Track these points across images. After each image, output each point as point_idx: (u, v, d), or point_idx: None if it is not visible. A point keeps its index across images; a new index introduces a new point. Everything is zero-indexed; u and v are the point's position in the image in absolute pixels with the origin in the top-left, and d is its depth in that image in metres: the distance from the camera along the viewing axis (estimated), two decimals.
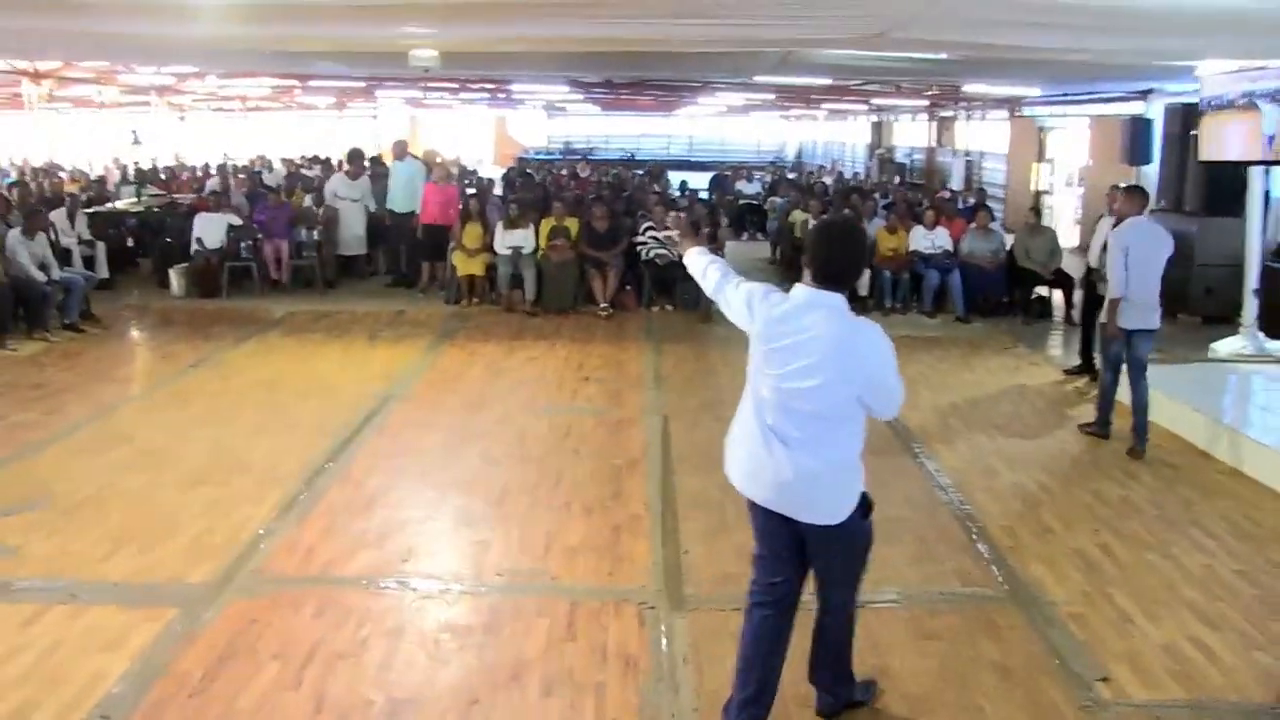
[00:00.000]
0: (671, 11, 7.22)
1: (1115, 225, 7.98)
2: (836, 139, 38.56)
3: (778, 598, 3.98)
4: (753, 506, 3.94)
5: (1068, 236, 20.10)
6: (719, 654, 4.52)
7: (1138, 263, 7.37)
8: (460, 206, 13.11)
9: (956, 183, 23.75)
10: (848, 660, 4.17)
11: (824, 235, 3.84)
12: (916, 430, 7.96)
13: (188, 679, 4.35)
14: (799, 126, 42.81)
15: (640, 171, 23.64)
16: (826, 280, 3.69)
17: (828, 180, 23.73)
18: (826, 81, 16.85)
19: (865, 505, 3.89)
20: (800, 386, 3.67)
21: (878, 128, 32.68)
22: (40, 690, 4.24)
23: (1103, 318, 7.83)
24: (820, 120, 37.09)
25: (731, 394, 7.98)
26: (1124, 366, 7.67)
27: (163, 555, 5.62)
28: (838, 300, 3.68)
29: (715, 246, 12.84)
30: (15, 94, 23.57)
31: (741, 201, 20.85)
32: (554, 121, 43.99)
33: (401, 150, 14.63)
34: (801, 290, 3.73)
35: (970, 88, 17.80)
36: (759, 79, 16.58)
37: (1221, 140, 10.57)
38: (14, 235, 11.06)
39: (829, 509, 3.77)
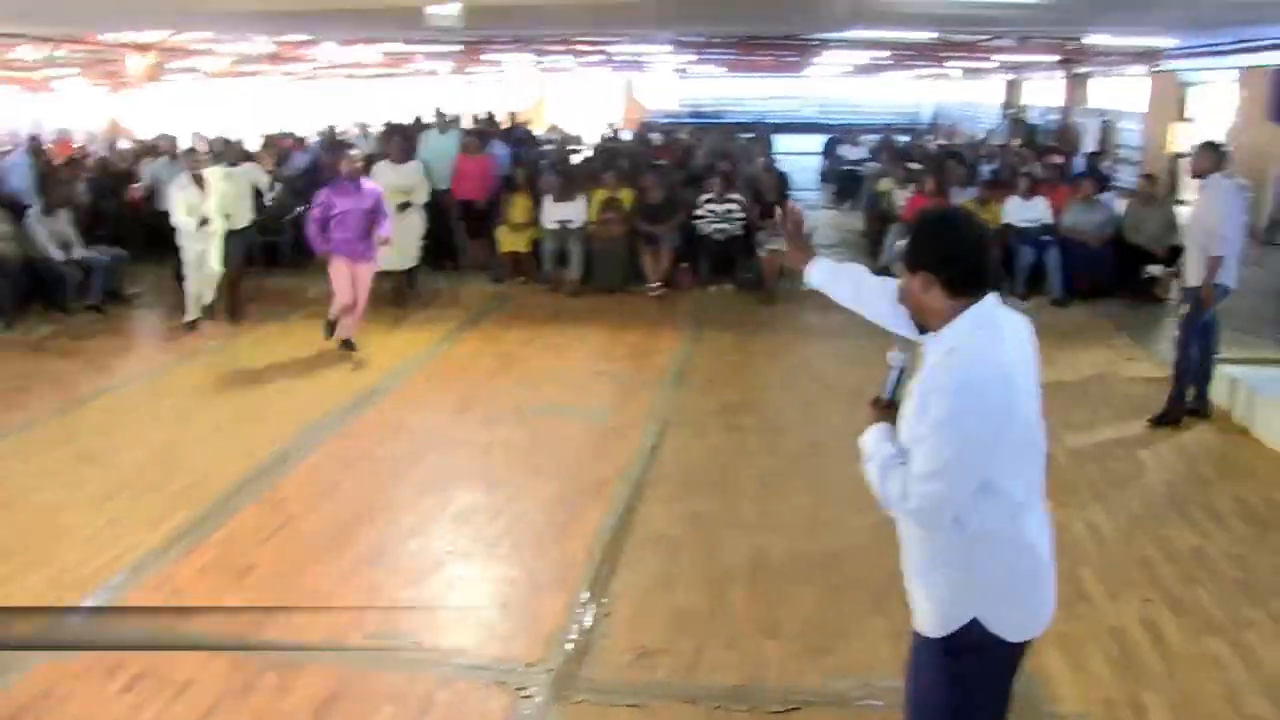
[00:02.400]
0: None
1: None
2: (971, 99, 36.35)
3: None
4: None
5: None
6: None
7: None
8: (500, 178, 12.06)
9: (1091, 145, 21.71)
10: None
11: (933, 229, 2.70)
12: None
13: None
14: (935, 87, 40.58)
15: (749, 135, 22.18)
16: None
17: (941, 143, 21.97)
18: (931, 35, 15.28)
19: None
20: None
21: (1011, 87, 30.48)
22: None
23: (1195, 281, 7.00)
24: (955, 80, 34.92)
25: (759, 394, 6.89)
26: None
27: (22, 586, 4.89)
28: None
29: (775, 223, 11.58)
30: (113, 71, 23.78)
31: (844, 168, 19.33)
32: (682, 84, 42.82)
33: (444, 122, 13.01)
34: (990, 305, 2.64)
35: (1094, 39, 15.93)
36: (857, 34, 15.17)
37: None
38: (33, 213, 10.56)
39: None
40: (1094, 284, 10.97)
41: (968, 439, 2.44)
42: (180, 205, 9.55)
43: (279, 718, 3.90)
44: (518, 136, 17.17)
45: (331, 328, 8.80)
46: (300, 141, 17.77)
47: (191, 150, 10.19)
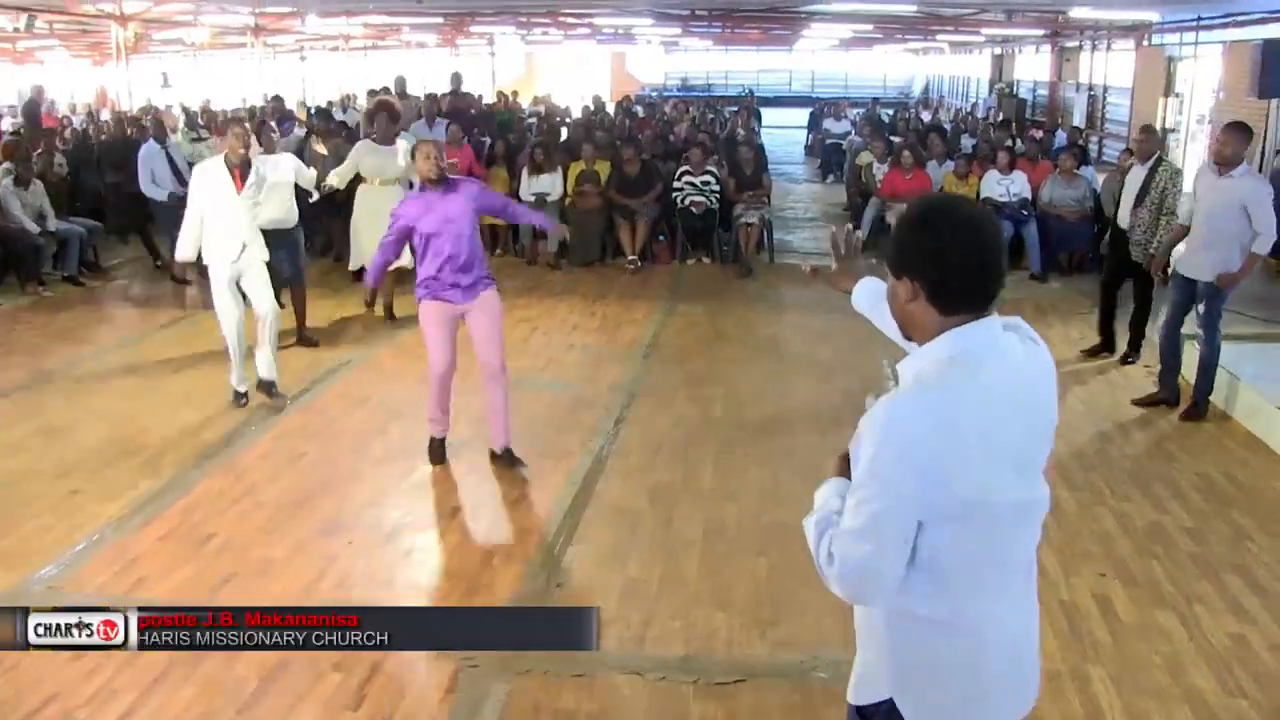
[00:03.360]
0: None
1: (1217, 167, 6.57)
2: (961, 73, 36.27)
3: None
4: None
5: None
6: None
7: None
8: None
9: (1079, 119, 21.67)
10: None
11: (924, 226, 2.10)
12: None
13: None
14: (926, 61, 40.48)
15: (733, 108, 22.11)
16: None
17: (925, 117, 21.90)
18: (911, 8, 15.20)
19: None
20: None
21: (999, 61, 30.40)
22: None
23: (1211, 275, 6.63)
24: (946, 54, 34.85)
25: (727, 367, 6.78)
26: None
27: None
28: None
29: (759, 193, 11.59)
30: (98, 42, 23.62)
31: (829, 141, 19.27)
32: (671, 58, 42.65)
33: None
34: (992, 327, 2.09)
35: (1079, 12, 15.87)
36: (840, 6, 15.09)
37: None
38: (4, 185, 10.48)
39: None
40: (1072, 259, 11.01)
41: (899, 495, 1.95)
42: (206, 219, 6.77)
43: (229, 684, 3.90)
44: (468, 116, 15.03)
45: (440, 448, 6.02)
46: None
47: (235, 122, 7.23)
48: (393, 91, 13.60)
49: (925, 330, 2.08)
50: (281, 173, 7.78)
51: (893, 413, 1.96)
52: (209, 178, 6.75)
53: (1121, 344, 8.06)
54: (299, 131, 13.01)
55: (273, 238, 7.44)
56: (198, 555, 4.93)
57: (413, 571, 4.85)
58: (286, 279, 8.21)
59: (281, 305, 7.71)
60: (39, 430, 6.58)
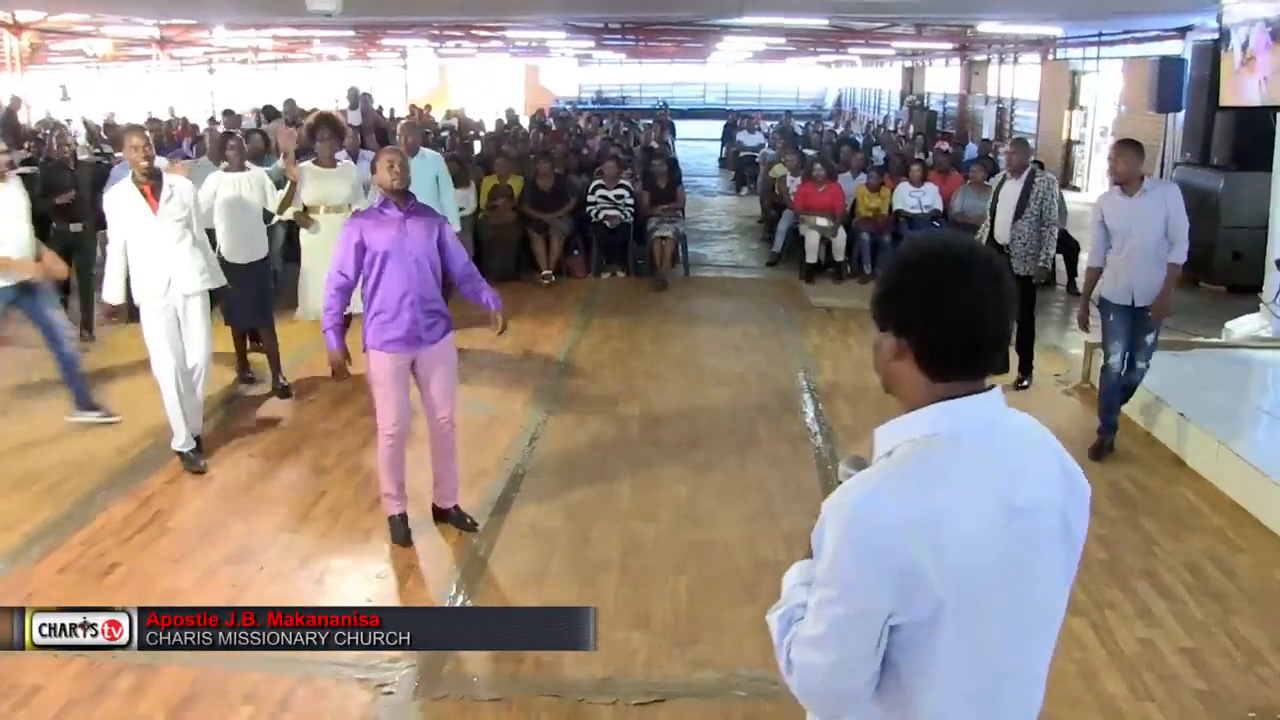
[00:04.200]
0: None
1: (1120, 188, 6.39)
2: (873, 85, 36.86)
3: None
4: None
5: (1098, 191, 18.60)
6: None
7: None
8: None
9: (988, 131, 22.12)
10: None
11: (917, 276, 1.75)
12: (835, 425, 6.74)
13: None
14: (839, 74, 41.04)
15: (648, 121, 22.18)
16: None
17: (836, 130, 22.21)
18: (822, 22, 15.40)
19: None
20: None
21: (910, 73, 30.96)
22: None
23: (1146, 299, 6.33)
24: (858, 67, 35.37)
25: (642, 383, 6.75)
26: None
27: None
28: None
29: (673, 206, 11.63)
30: None
31: (742, 154, 19.43)
32: (585, 71, 42.71)
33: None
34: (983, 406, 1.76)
35: (985, 26, 16.20)
36: (754, 20, 15.21)
37: (1241, 82, 9.09)
38: None
39: None
40: None
41: (862, 598, 1.64)
42: (132, 246, 5.97)
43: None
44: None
45: (402, 525, 5.26)
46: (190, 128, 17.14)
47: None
48: (282, 113, 13.11)
49: (909, 397, 1.75)
50: (243, 192, 7.13)
51: (854, 503, 1.65)
52: (119, 202, 5.92)
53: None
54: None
55: (238, 272, 6.85)
56: (99, 587, 4.78)
57: (326, 598, 4.75)
58: (254, 320, 7.48)
59: (250, 348, 7.50)
60: None
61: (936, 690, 1.69)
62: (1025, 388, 7.72)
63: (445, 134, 17.59)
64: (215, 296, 6.57)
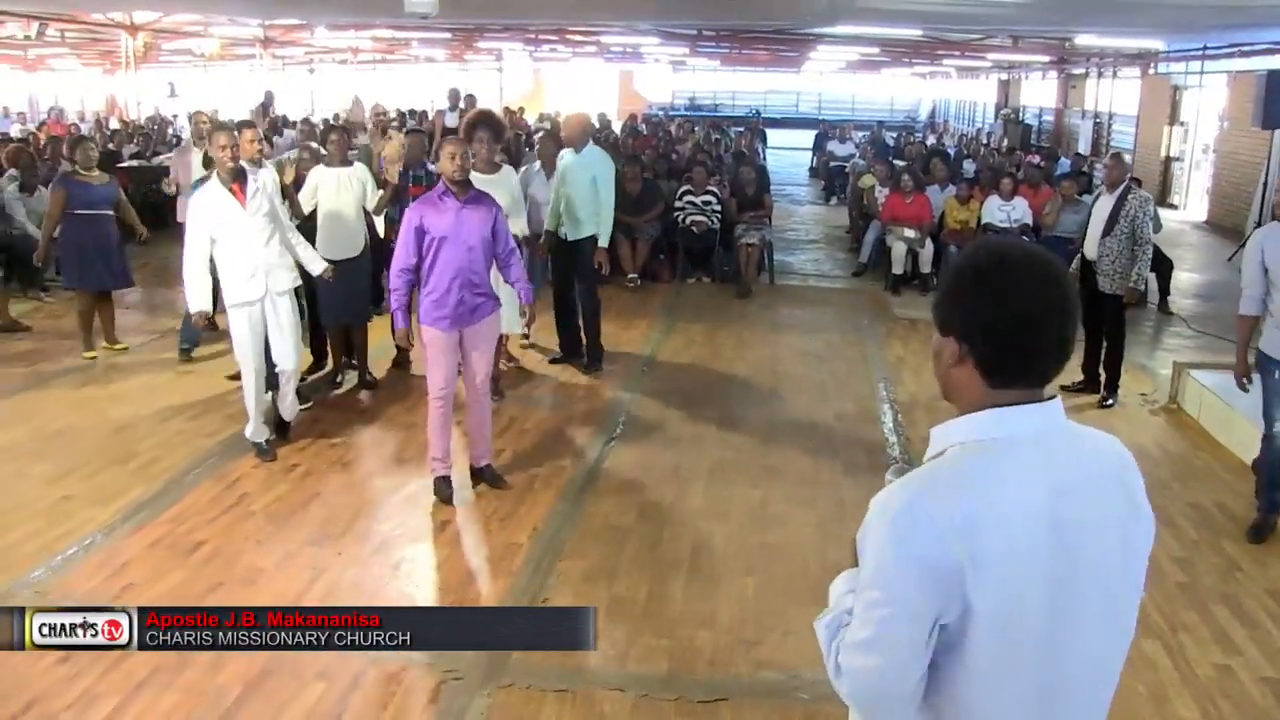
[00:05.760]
0: None
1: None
2: (968, 98, 36.41)
3: None
4: None
5: (1196, 209, 18.16)
6: None
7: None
8: None
9: (1084, 146, 21.75)
10: None
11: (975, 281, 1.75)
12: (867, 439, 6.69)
13: None
14: (934, 86, 40.63)
15: (740, 129, 22.19)
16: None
17: (930, 141, 21.98)
18: (916, 33, 15.28)
19: None
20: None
21: (1005, 86, 30.52)
22: None
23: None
24: (953, 78, 34.98)
25: (721, 387, 7.24)
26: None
27: None
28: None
29: (760, 214, 11.64)
30: (108, 51, 23.76)
31: (833, 164, 19.35)
32: (679, 77, 42.94)
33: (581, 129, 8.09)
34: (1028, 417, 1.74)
35: (1084, 39, 15.93)
36: (847, 30, 15.16)
37: None
38: (10, 192, 10.55)
39: None
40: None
41: (907, 601, 1.64)
42: (216, 254, 5.97)
43: (211, 692, 3.92)
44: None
45: (446, 486, 5.68)
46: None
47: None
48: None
49: (967, 401, 1.76)
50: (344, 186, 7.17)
51: (898, 505, 1.66)
52: (207, 203, 5.87)
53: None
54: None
55: (336, 267, 6.73)
56: (186, 563, 4.95)
57: (400, 583, 4.86)
58: (346, 317, 7.45)
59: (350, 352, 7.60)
60: (34, 435, 6.61)
61: (980, 697, 1.69)
62: (1110, 406, 7.57)
63: (539, 136, 17.72)
64: (309, 291, 6.71)
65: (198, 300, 5.98)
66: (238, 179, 5.87)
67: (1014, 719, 1.71)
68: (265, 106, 16.81)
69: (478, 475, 5.86)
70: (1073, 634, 1.70)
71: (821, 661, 1.79)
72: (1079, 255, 7.72)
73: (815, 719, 3.86)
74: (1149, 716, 3.96)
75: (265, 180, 6.09)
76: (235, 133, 6.11)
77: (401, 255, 5.37)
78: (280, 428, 6.48)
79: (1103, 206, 7.46)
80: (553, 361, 8.39)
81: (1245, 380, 5.55)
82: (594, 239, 7.85)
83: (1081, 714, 1.79)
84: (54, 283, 10.44)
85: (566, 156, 7.84)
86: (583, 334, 8.20)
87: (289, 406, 6.43)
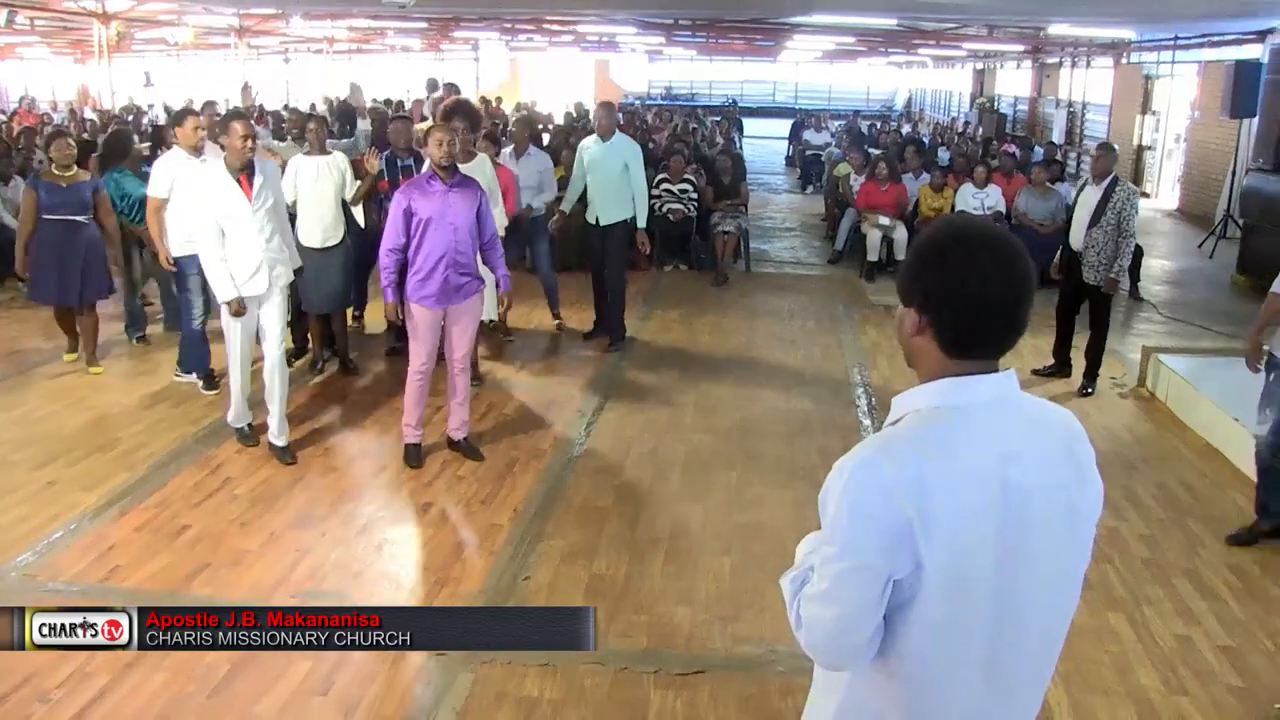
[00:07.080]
0: None
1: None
2: (944, 87, 36.60)
3: None
4: None
5: (1168, 198, 18.37)
6: None
7: None
8: None
9: (1058, 135, 21.94)
10: None
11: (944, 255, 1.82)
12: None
13: None
14: (910, 75, 40.81)
15: (716, 118, 22.28)
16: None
17: (906, 130, 22.13)
18: (891, 23, 15.39)
19: None
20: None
21: (981, 76, 30.70)
22: None
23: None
24: (929, 68, 35.14)
25: (698, 373, 7.21)
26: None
27: None
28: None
29: (737, 202, 11.74)
30: (80, 40, 23.59)
31: (809, 152, 19.47)
32: (655, 66, 42.87)
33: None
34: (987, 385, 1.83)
35: (1057, 29, 16.08)
36: (823, 19, 15.25)
37: None
38: None
39: None
40: (1045, 272, 11.14)
41: (861, 554, 1.72)
42: (201, 222, 5.91)
43: (200, 670, 3.98)
44: None
45: (416, 452, 6.04)
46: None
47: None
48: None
49: (927, 369, 1.84)
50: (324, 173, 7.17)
51: (853, 465, 1.74)
52: (214, 191, 5.74)
53: (1078, 373, 7.84)
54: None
55: (312, 256, 6.89)
56: (171, 546, 5.01)
57: (384, 564, 4.94)
58: (327, 306, 7.49)
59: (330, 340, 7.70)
60: (17, 421, 6.66)
61: (930, 653, 1.78)
62: (1089, 394, 7.64)
63: (514, 127, 17.72)
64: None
65: (224, 290, 5.81)
66: (245, 171, 5.76)
67: (962, 675, 1.80)
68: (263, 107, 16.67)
69: (455, 446, 6.17)
70: (1021, 595, 1.78)
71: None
72: (1062, 247, 7.83)
73: (790, 690, 3.96)
74: (1113, 685, 4.08)
75: (271, 171, 6.02)
76: (251, 123, 6.00)
77: (391, 235, 5.68)
78: (278, 451, 6.14)
79: (1089, 197, 7.45)
80: (586, 337, 8.75)
81: (1256, 361, 5.29)
82: (625, 224, 8.25)
83: (1028, 673, 1.88)
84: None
85: (593, 146, 8.18)
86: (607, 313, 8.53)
87: (278, 421, 6.15)
